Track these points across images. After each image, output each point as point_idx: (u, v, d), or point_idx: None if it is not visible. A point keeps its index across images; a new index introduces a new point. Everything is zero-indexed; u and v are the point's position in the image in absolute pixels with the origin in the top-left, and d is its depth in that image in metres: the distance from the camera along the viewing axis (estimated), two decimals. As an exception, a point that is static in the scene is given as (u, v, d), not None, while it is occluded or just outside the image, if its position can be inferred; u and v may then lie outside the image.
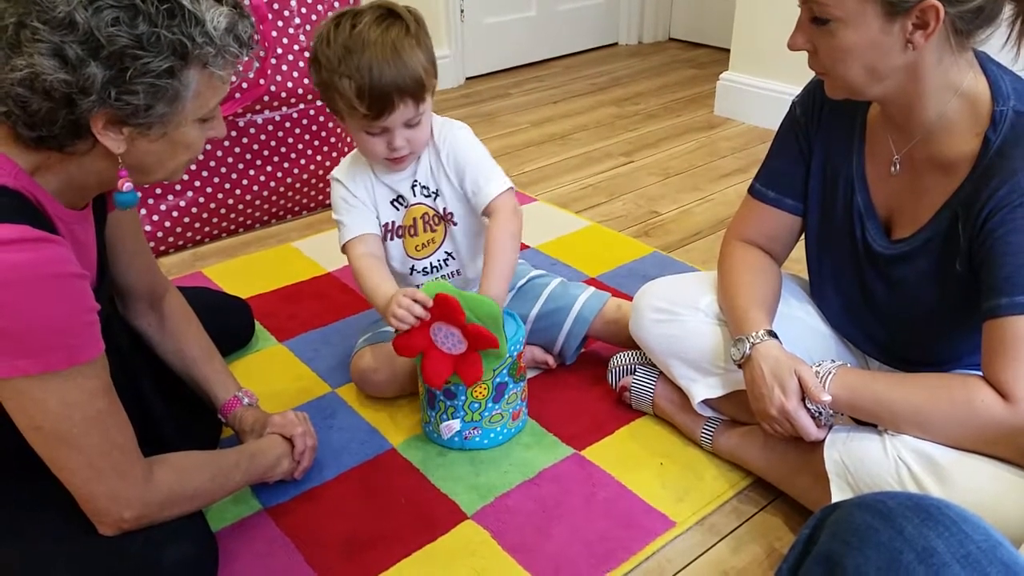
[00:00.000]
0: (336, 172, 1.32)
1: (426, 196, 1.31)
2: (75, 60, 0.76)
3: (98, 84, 0.77)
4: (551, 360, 1.43)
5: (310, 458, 1.19)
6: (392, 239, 1.33)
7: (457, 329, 1.15)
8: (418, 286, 1.21)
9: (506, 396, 1.25)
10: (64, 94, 0.77)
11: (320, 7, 1.89)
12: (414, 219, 1.32)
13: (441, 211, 1.31)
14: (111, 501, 0.89)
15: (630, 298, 1.30)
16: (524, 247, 1.88)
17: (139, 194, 0.88)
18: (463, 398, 1.22)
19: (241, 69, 0.91)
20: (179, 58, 0.80)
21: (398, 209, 1.32)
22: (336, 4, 1.92)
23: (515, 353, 1.23)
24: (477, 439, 1.26)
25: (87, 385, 0.84)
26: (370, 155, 1.26)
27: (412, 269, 1.35)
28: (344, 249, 1.30)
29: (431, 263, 1.35)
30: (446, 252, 1.35)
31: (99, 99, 0.78)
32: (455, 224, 1.32)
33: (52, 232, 0.82)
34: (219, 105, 0.90)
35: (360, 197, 1.29)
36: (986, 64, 0.97)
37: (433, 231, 1.33)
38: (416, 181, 1.30)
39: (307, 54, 1.88)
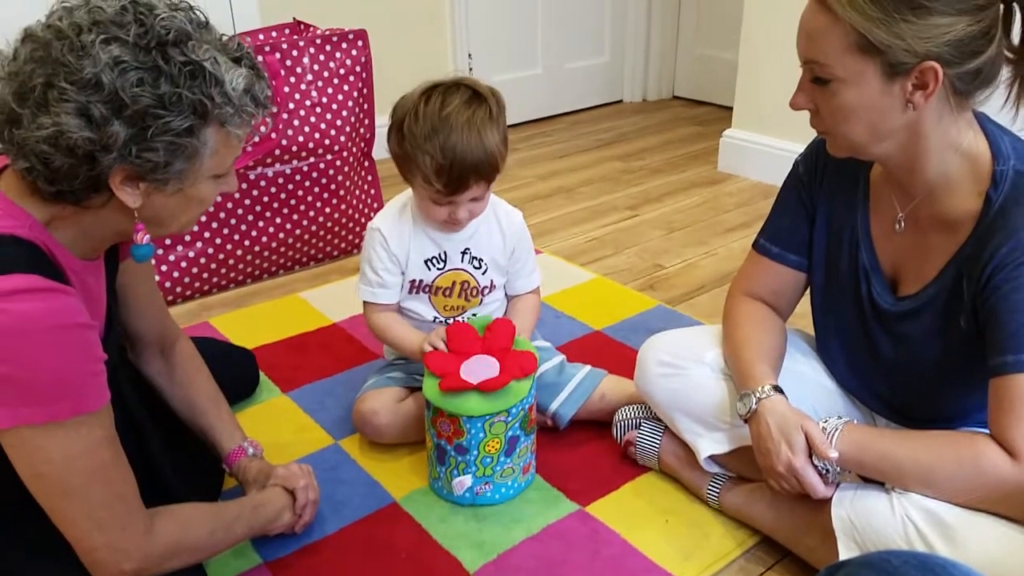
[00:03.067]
0: (378, 221, 1.35)
1: (475, 267, 1.36)
2: (99, 119, 0.78)
3: (120, 142, 0.79)
4: (548, 421, 1.42)
5: (312, 512, 1.18)
6: (417, 294, 1.36)
7: (496, 361, 1.19)
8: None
9: (517, 449, 1.24)
10: (87, 151, 0.79)
11: (332, 64, 1.94)
12: (453, 282, 1.35)
13: (488, 283, 1.37)
14: (111, 553, 0.88)
15: (635, 351, 1.30)
16: (529, 299, 1.88)
17: (155, 247, 0.90)
18: (475, 452, 1.21)
19: (255, 125, 0.93)
20: (199, 117, 0.82)
21: (430, 269, 1.34)
22: (348, 62, 1.97)
23: (527, 405, 1.22)
24: (488, 494, 1.25)
25: (91, 435, 0.84)
26: (430, 218, 1.31)
27: (435, 320, 1.37)
28: (364, 303, 1.36)
29: (455, 319, 1.38)
30: (472, 313, 1.38)
31: (120, 156, 0.80)
32: (491, 293, 1.38)
33: (63, 283, 0.83)
34: (233, 162, 0.92)
35: (394, 250, 1.32)
36: (985, 124, 0.99)
37: (468, 300, 1.37)
38: (468, 249, 1.35)
39: (318, 109, 1.92)
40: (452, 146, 1.19)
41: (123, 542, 0.88)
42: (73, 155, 0.79)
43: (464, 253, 1.35)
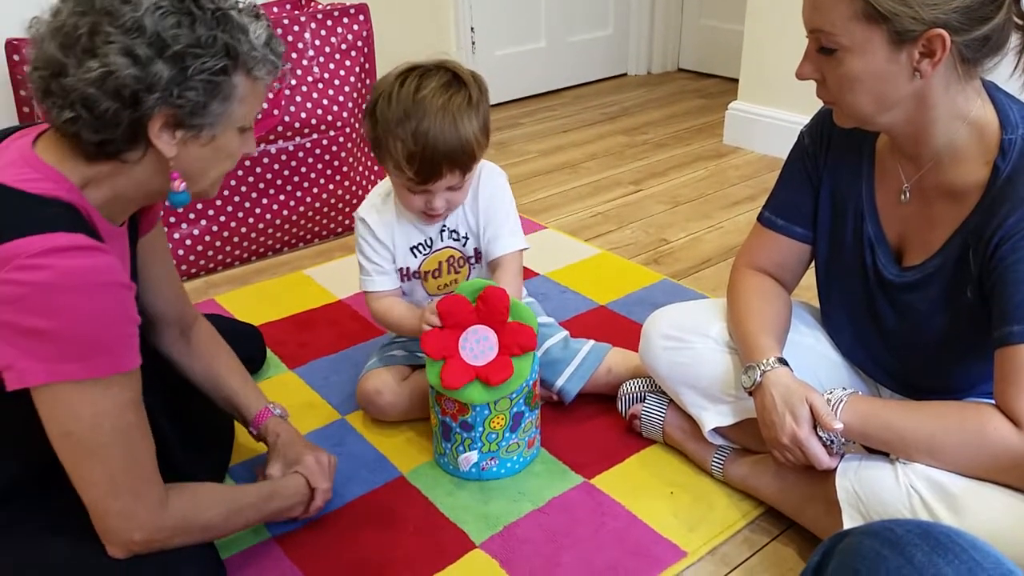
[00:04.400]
0: (361, 211, 1.33)
1: (455, 240, 1.32)
2: (144, 58, 0.83)
3: (163, 81, 0.84)
4: (553, 395, 1.42)
5: (313, 512, 1.18)
6: (408, 281, 1.35)
7: (493, 332, 1.15)
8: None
9: (522, 425, 1.25)
10: (133, 91, 0.83)
11: (333, 39, 1.93)
12: (439, 263, 1.33)
13: (471, 252, 1.33)
14: (123, 520, 0.89)
15: (639, 326, 1.30)
16: (534, 274, 1.88)
17: (190, 195, 0.94)
18: (480, 429, 1.21)
19: (276, 88, 0.97)
20: (231, 59, 0.88)
21: (416, 256, 1.33)
22: (349, 36, 1.95)
23: (531, 381, 1.23)
24: (494, 469, 1.26)
25: (122, 396, 0.86)
26: (407, 207, 1.27)
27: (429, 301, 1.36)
28: (366, 293, 1.34)
29: None
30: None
31: (162, 97, 0.84)
32: (480, 263, 1.34)
33: (101, 243, 0.86)
34: (255, 120, 0.97)
35: (381, 239, 1.31)
36: (994, 93, 0.98)
37: (457, 272, 1.34)
38: (445, 226, 1.31)
39: (320, 85, 1.91)
40: (424, 132, 1.14)
41: (136, 510, 0.89)
42: (119, 97, 0.83)
43: (443, 231, 1.31)
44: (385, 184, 1.33)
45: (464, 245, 1.33)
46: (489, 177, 1.31)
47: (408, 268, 1.33)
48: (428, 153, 1.15)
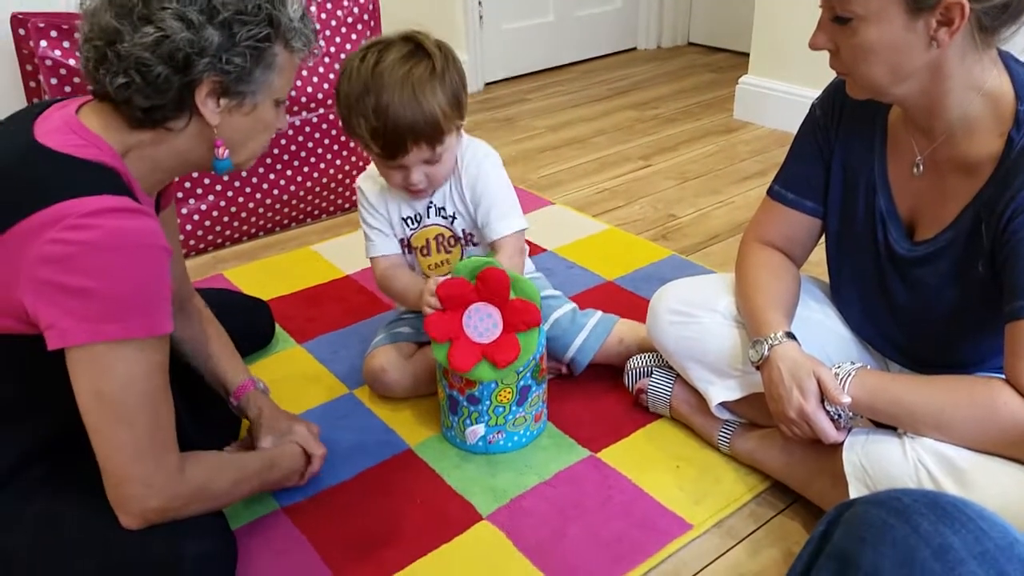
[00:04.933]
0: (360, 180, 1.33)
1: (443, 218, 1.31)
2: (197, 23, 0.87)
3: (213, 46, 0.88)
4: (563, 368, 1.42)
5: (308, 479, 1.19)
6: (408, 253, 1.35)
7: (496, 309, 1.14)
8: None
9: (529, 399, 1.25)
10: (185, 55, 0.87)
11: (339, 13, 1.91)
12: (427, 240, 1.32)
13: (460, 232, 1.32)
14: (143, 487, 0.90)
15: (647, 301, 1.30)
16: (541, 250, 1.88)
17: (232, 162, 0.98)
18: (487, 402, 1.21)
19: (310, 62, 1.04)
20: (273, 27, 0.92)
21: (407, 228, 1.32)
22: (355, 10, 1.93)
23: (538, 356, 1.23)
24: (501, 443, 1.26)
25: (153, 359, 0.88)
26: (389, 183, 1.26)
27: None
28: (372, 261, 1.35)
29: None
30: None
31: (211, 62, 0.88)
32: (475, 244, 1.33)
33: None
34: (287, 95, 1.01)
35: (377, 208, 1.31)
36: (1010, 63, 0.96)
37: (448, 252, 1.33)
38: (432, 202, 1.30)
39: (327, 59, 1.90)
40: (385, 106, 1.11)
41: (156, 477, 0.91)
42: (172, 61, 0.87)
43: (430, 207, 1.30)
44: None
45: (452, 223, 1.31)
46: (473, 157, 1.27)
47: (407, 239, 1.33)
48: (391, 127, 1.12)
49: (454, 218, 1.31)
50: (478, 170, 1.27)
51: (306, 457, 1.17)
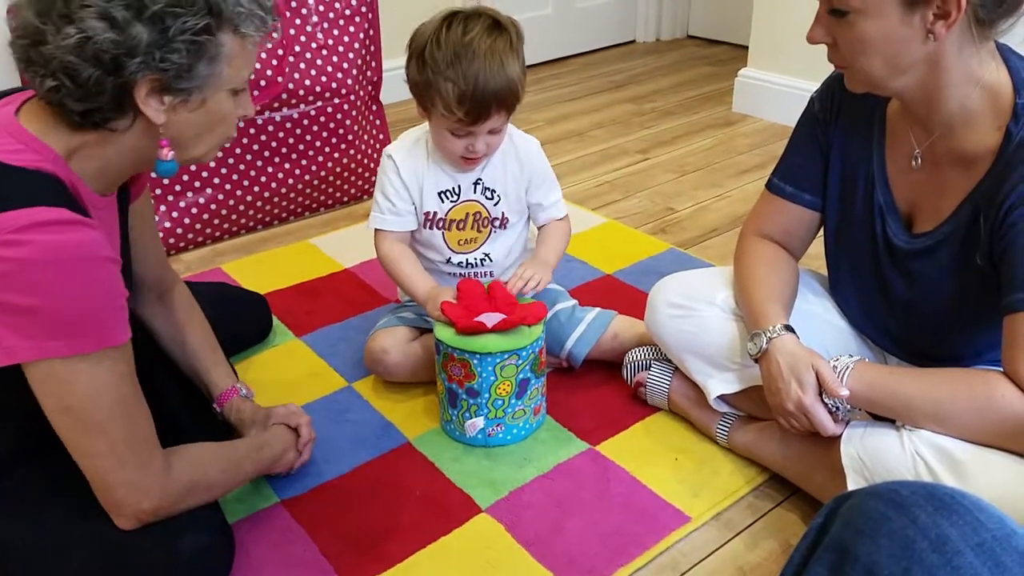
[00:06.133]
0: (391, 148, 1.34)
1: (488, 198, 1.34)
2: (122, 21, 0.80)
3: (143, 44, 0.81)
4: (563, 362, 1.43)
5: (310, 451, 1.20)
6: (432, 228, 1.35)
7: (506, 312, 1.20)
8: (451, 274, 1.34)
9: (528, 392, 1.25)
10: (113, 56, 0.80)
11: (337, 4, 1.91)
12: (467, 214, 1.35)
13: (499, 215, 1.36)
14: (131, 491, 0.89)
15: (646, 294, 1.30)
16: (540, 243, 1.88)
17: (178, 164, 0.91)
18: (486, 395, 1.22)
19: (275, 50, 0.93)
20: (214, 16, 0.84)
21: (443, 202, 1.33)
22: (353, 2, 1.93)
23: (538, 348, 1.23)
24: (500, 435, 1.26)
25: (115, 369, 0.86)
26: (446, 152, 1.29)
27: (448, 260, 1.37)
28: (375, 231, 1.36)
29: (468, 259, 1.37)
30: (485, 253, 1.37)
31: (144, 61, 0.81)
32: (504, 229, 1.36)
33: (86, 217, 0.84)
34: (248, 81, 0.94)
35: (406, 181, 1.32)
36: (1008, 56, 0.96)
37: (480, 231, 1.36)
38: (480, 180, 1.33)
39: (324, 51, 1.89)
40: (475, 73, 1.17)
41: (143, 480, 0.90)
42: (100, 63, 0.80)
43: (476, 184, 1.34)
44: (416, 131, 1.35)
45: (496, 204, 1.35)
46: (526, 141, 1.36)
47: (435, 214, 1.34)
48: (479, 93, 1.18)
49: (500, 198, 1.34)
50: (538, 158, 1.36)
51: (294, 433, 1.16)
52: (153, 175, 0.94)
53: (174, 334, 1.20)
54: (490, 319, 1.19)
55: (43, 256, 0.78)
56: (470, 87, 1.17)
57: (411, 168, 1.32)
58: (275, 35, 0.93)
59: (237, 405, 1.20)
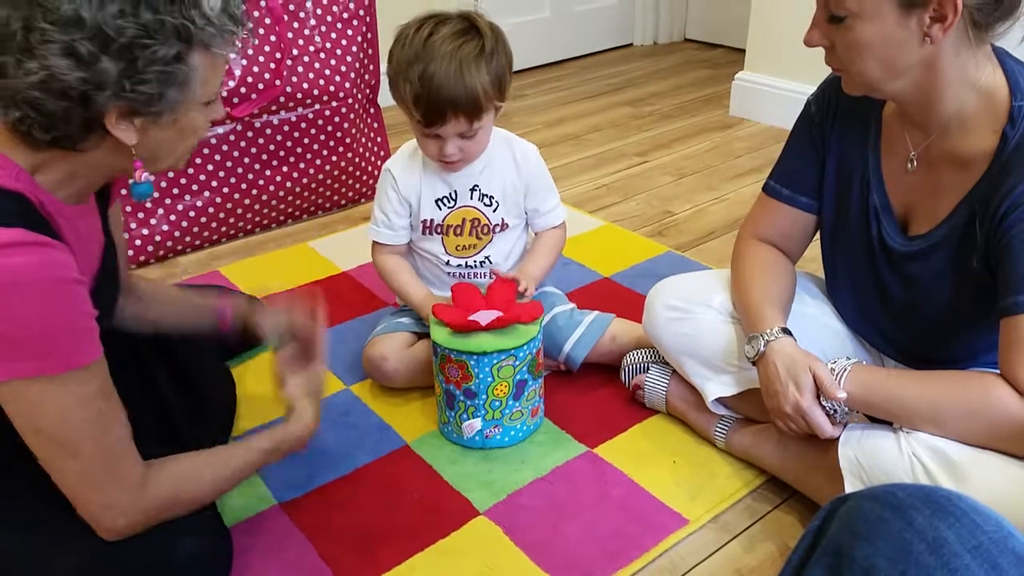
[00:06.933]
0: (390, 163, 1.36)
1: (485, 205, 1.35)
2: (88, 56, 0.76)
3: (112, 78, 0.77)
4: (560, 365, 1.42)
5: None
6: (430, 235, 1.36)
7: (502, 311, 1.20)
8: (451, 275, 1.36)
9: (526, 393, 1.25)
10: (81, 92, 0.77)
11: (335, 8, 1.91)
12: (463, 219, 1.35)
13: (499, 221, 1.36)
14: (104, 509, 0.88)
15: (644, 297, 1.30)
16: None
17: (153, 185, 0.89)
18: (484, 397, 1.22)
19: (240, 46, 0.92)
20: (184, 42, 0.80)
21: (441, 209, 1.34)
22: (351, 5, 1.93)
23: (535, 349, 1.23)
24: (498, 437, 1.26)
25: (83, 390, 0.83)
26: (425, 153, 1.30)
27: (447, 263, 1.38)
28: (372, 242, 1.38)
29: (467, 262, 1.38)
30: (485, 256, 1.38)
31: (114, 93, 0.78)
32: (504, 231, 1.37)
33: (52, 234, 0.82)
34: (220, 86, 0.92)
35: (403, 195, 1.33)
36: (1004, 59, 0.97)
37: (478, 238, 1.37)
38: (477, 186, 1.34)
39: (322, 55, 1.89)
40: (430, 75, 1.17)
41: (116, 498, 0.87)
42: (67, 97, 0.77)
43: (473, 190, 1.34)
44: (414, 141, 1.36)
45: (494, 211, 1.35)
46: (525, 148, 1.36)
47: (432, 220, 1.35)
48: (432, 96, 1.17)
49: (498, 205, 1.35)
50: (536, 164, 1.36)
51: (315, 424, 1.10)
52: (132, 199, 0.91)
53: (145, 302, 1.17)
54: (484, 317, 1.20)
55: (1, 279, 0.76)
56: (424, 89, 1.17)
57: (408, 181, 1.33)
58: (252, 41, 0.90)
59: (246, 315, 1.21)
